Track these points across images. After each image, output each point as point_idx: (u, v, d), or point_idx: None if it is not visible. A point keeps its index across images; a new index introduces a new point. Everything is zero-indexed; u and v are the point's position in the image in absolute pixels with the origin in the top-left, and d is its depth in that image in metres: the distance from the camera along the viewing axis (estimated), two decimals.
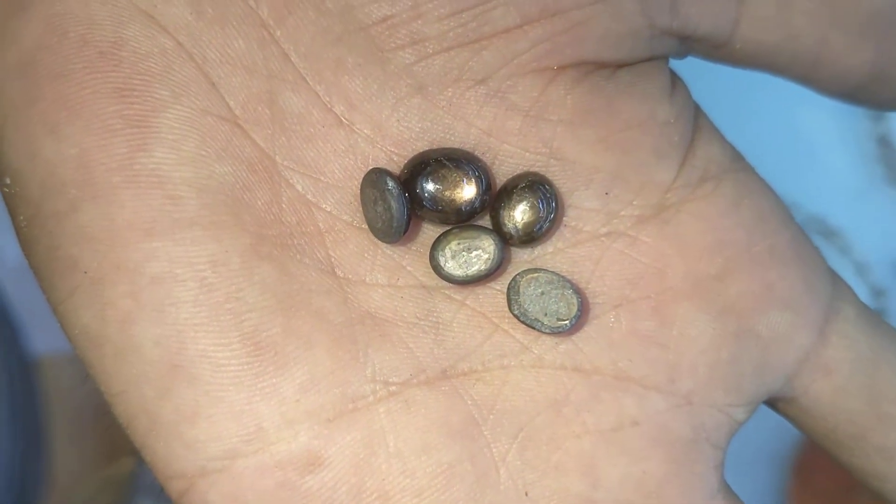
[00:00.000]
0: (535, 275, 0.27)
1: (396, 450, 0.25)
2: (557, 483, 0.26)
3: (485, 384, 0.27)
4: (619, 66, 0.27)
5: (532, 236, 0.27)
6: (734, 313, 0.28)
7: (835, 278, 0.30)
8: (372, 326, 0.26)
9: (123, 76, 0.25)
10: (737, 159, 0.30)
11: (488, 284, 0.27)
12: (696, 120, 0.29)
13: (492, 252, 0.27)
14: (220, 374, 0.25)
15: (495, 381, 0.27)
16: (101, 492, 0.65)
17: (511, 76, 0.26)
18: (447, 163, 0.26)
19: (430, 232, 0.27)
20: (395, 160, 0.27)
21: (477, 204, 0.26)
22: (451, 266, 0.26)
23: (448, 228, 0.27)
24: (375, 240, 0.27)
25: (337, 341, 0.26)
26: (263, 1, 0.25)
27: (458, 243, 0.27)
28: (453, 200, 0.26)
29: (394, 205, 0.25)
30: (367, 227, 0.27)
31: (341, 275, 0.26)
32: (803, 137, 0.69)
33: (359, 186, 0.26)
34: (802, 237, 0.30)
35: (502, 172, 0.27)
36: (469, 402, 0.26)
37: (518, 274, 0.27)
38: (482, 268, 0.27)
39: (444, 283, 0.27)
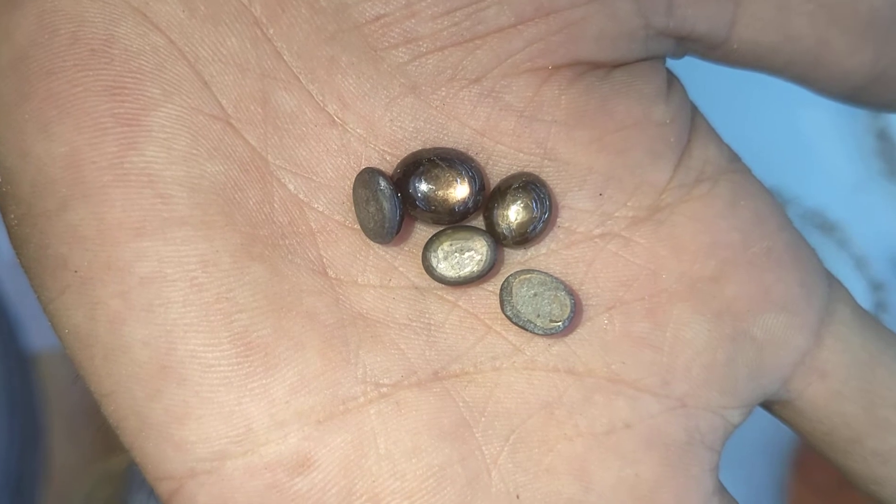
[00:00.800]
0: (528, 276, 0.27)
1: (387, 452, 0.25)
2: (549, 486, 0.26)
3: (477, 386, 0.27)
4: (615, 66, 0.27)
5: (525, 237, 0.27)
6: (729, 315, 0.28)
7: (831, 280, 0.30)
8: (363, 327, 0.26)
9: (115, 74, 0.24)
10: (733, 160, 0.29)
11: (481, 285, 0.27)
12: (693, 120, 0.29)
13: (484, 253, 0.26)
14: (210, 375, 0.24)
15: (487, 383, 0.27)
16: (98, 486, 0.65)
17: (505, 76, 0.26)
18: (440, 163, 0.26)
19: (423, 232, 0.27)
20: (388, 160, 0.26)
21: (470, 204, 0.26)
22: (444, 267, 0.26)
23: (441, 229, 0.27)
24: (368, 240, 0.27)
25: (328, 342, 0.25)
26: None
27: (451, 244, 0.26)
28: (446, 201, 0.26)
29: (386, 205, 0.25)
30: (359, 227, 0.26)
31: (333, 275, 0.26)
32: (802, 131, 0.69)
33: (351, 186, 0.26)
34: (799, 239, 0.30)
35: (496, 173, 0.27)
36: (461, 404, 0.26)
37: (511, 275, 0.27)
38: (475, 269, 0.26)
39: (437, 284, 0.27)
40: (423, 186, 0.26)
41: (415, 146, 0.26)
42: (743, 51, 0.28)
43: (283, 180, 0.26)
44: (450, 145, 0.26)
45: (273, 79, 0.26)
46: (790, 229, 0.30)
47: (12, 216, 0.25)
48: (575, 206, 0.27)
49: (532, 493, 0.26)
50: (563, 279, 0.27)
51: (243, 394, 0.25)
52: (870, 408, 0.29)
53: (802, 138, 0.69)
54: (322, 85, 0.26)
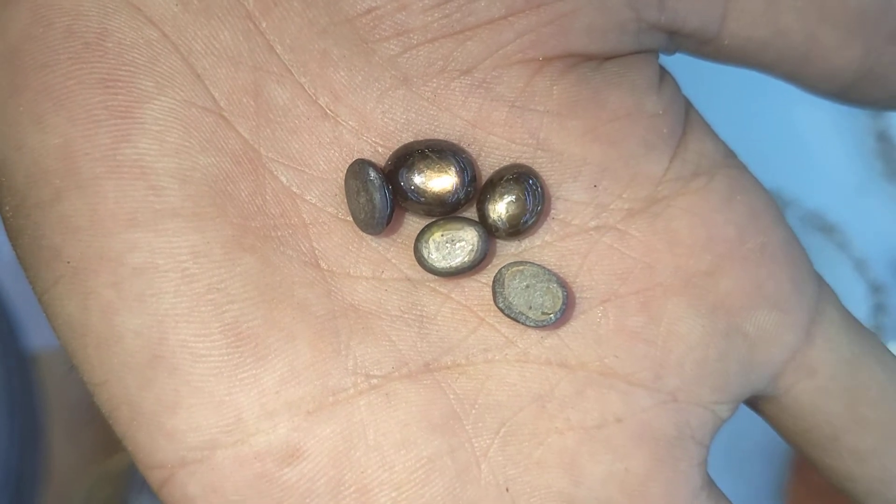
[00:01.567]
0: (521, 268, 0.27)
1: (376, 443, 0.25)
2: (539, 479, 0.26)
3: (468, 378, 0.26)
4: (607, 58, 0.27)
5: (518, 229, 0.27)
6: (723, 311, 0.28)
7: (819, 280, 0.30)
8: (355, 319, 0.26)
9: (108, 67, 0.25)
10: (729, 155, 0.29)
11: (474, 277, 0.27)
12: (687, 115, 0.29)
13: (475, 243, 0.26)
14: (201, 365, 0.25)
15: (479, 375, 0.27)
16: (98, 486, 0.65)
17: (496, 67, 0.26)
18: (431, 154, 0.26)
19: (416, 225, 0.27)
20: (381, 152, 0.27)
21: (461, 195, 0.26)
22: (435, 257, 0.26)
23: (433, 220, 0.27)
24: (360, 232, 0.27)
25: (319, 333, 0.25)
26: None
27: (442, 234, 0.26)
28: (437, 192, 0.26)
29: (376, 196, 0.25)
30: (351, 219, 0.27)
31: (325, 267, 0.26)
32: (802, 133, 0.69)
33: (343, 178, 0.26)
34: (791, 236, 0.30)
35: (488, 164, 0.27)
36: (451, 396, 0.26)
37: (503, 267, 0.27)
38: (466, 259, 0.26)
39: (430, 276, 0.27)
40: (414, 178, 0.26)
41: (407, 138, 0.26)
42: (734, 46, 0.28)
43: (275, 172, 0.26)
44: (442, 137, 0.27)
45: (265, 72, 0.26)
46: (784, 226, 0.30)
47: (7, 207, 0.26)
48: (569, 198, 0.27)
49: (522, 485, 0.26)
50: (558, 271, 0.27)
51: (234, 384, 0.25)
52: (851, 406, 0.30)
53: (802, 140, 0.69)
54: (314, 78, 0.26)
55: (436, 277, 0.27)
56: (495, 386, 0.27)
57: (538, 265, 0.27)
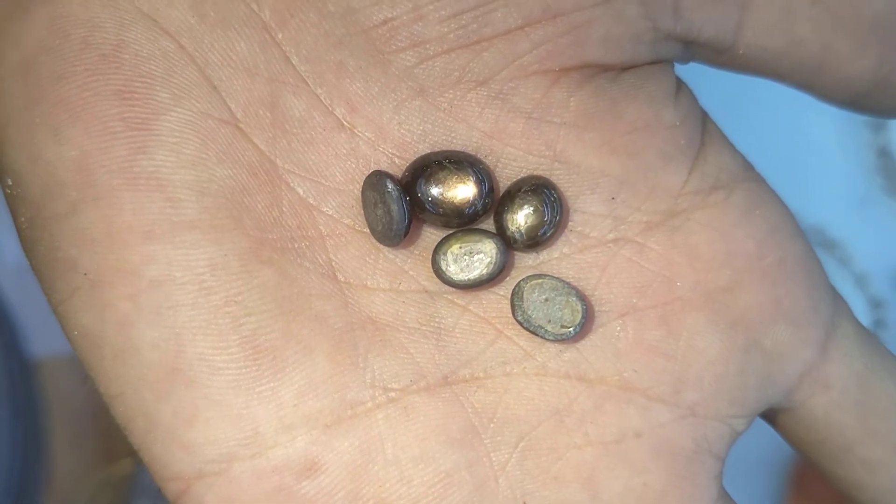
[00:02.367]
0: (540, 281, 0.27)
1: (394, 457, 0.25)
2: (557, 494, 0.26)
3: (486, 391, 0.26)
4: (623, 68, 0.27)
5: (536, 241, 0.27)
6: (742, 326, 0.28)
7: (835, 294, 0.30)
8: (373, 331, 0.26)
9: (125, 79, 0.25)
10: (748, 169, 0.29)
11: (492, 289, 0.27)
12: (705, 126, 0.29)
13: (494, 256, 0.26)
14: (219, 378, 0.24)
15: (497, 389, 0.26)
16: (100, 493, 0.65)
17: (513, 78, 0.26)
18: (448, 165, 0.26)
19: (433, 236, 0.27)
20: (397, 163, 0.26)
21: (479, 207, 0.26)
22: (453, 270, 0.26)
23: (450, 232, 0.27)
24: (377, 244, 0.27)
25: (337, 346, 0.25)
26: (266, 4, 0.25)
27: (460, 247, 0.26)
28: (455, 203, 0.26)
29: (393, 207, 0.25)
30: (368, 230, 0.26)
31: (342, 279, 0.26)
32: (803, 148, 0.69)
33: (360, 190, 0.26)
34: (809, 250, 0.30)
35: (505, 175, 0.27)
36: (469, 410, 0.26)
37: (522, 279, 0.27)
38: (484, 272, 0.26)
39: (447, 287, 0.27)
40: (432, 189, 0.26)
41: (423, 149, 0.26)
42: (749, 55, 0.28)
43: (291, 184, 0.26)
44: (458, 148, 0.26)
45: (282, 83, 0.26)
46: (802, 240, 0.30)
47: (23, 219, 0.26)
48: (587, 210, 0.27)
49: (539, 500, 0.26)
50: (576, 284, 0.27)
51: (251, 397, 0.25)
52: (863, 419, 0.30)
53: (803, 155, 0.69)
54: (330, 89, 0.26)
55: (453, 289, 0.27)
56: (514, 400, 0.26)
57: (557, 278, 0.27)
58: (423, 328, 0.26)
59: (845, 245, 0.67)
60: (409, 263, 0.27)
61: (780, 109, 0.63)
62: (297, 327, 0.25)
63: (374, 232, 0.26)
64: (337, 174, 0.26)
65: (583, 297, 0.27)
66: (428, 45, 0.25)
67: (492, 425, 0.26)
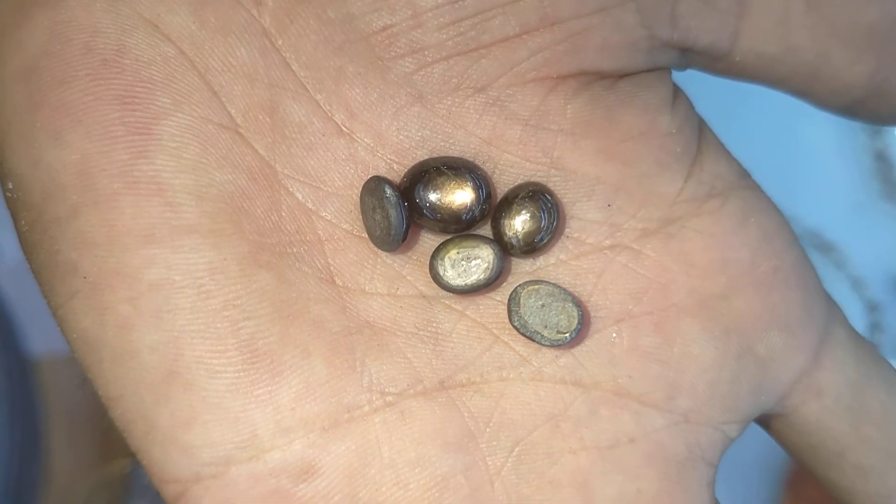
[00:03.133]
0: (536, 286, 0.27)
1: (390, 460, 0.25)
2: (552, 499, 0.26)
3: (483, 396, 0.27)
4: (620, 76, 0.27)
5: (533, 246, 0.27)
6: (736, 333, 0.28)
7: (829, 300, 0.30)
8: (370, 336, 0.26)
9: (126, 83, 0.25)
10: (744, 176, 0.29)
11: (489, 295, 0.27)
12: (702, 134, 0.29)
13: (491, 261, 0.26)
14: (217, 381, 0.25)
15: (493, 394, 0.27)
16: (97, 493, 0.65)
17: (510, 85, 0.26)
18: (447, 171, 0.26)
19: (430, 241, 0.27)
20: (396, 169, 0.27)
21: (476, 212, 0.26)
22: (451, 275, 0.26)
23: (448, 237, 0.27)
24: (375, 249, 0.27)
25: (334, 350, 0.26)
26: (266, 10, 0.25)
27: (458, 252, 0.26)
28: (452, 209, 0.26)
29: (392, 213, 0.25)
30: (366, 235, 0.27)
31: (340, 283, 0.26)
32: (800, 152, 0.69)
33: (359, 195, 0.26)
34: (804, 258, 0.30)
35: (503, 182, 0.27)
36: (466, 414, 0.26)
37: (519, 285, 0.27)
38: (481, 277, 0.26)
39: (445, 293, 0.27)
40: (430, 194, 0.26)
41: (422, 155, 0.27)
42: (745, 63, 0.28)
43: (290, 189, 0.26)
44: (456, 154, 0.27)
45: (281, 89, 0.26)
46: (797, 248, 0.30)
47: (23, 222, 0.26)
48: (584, 217, 0.27)
49: None
50: (573, 290, 0.27)
51: (249, 400, 0.25)
52: (856, 425, 0.30)
53: (800, 159, 0.69)
54: (330, 95, 0.26)
55: (451, 294, 0.27)
56: (510, 404, 0.27)
57: (553, 284, 0.27)
58: (421, 333, 0.27)
59: (842, 248, 0.67)
60: (407, 268, 0.27)
61: (778, 113, 0.63)
62: (295, 331, 0.25)
63: (372, 237, 0.26)
64: (336, 179, 0.26)
65: (579, 303, 0.27)
66: (427, 52, 0.26)
67: (488, 430, 0.26)
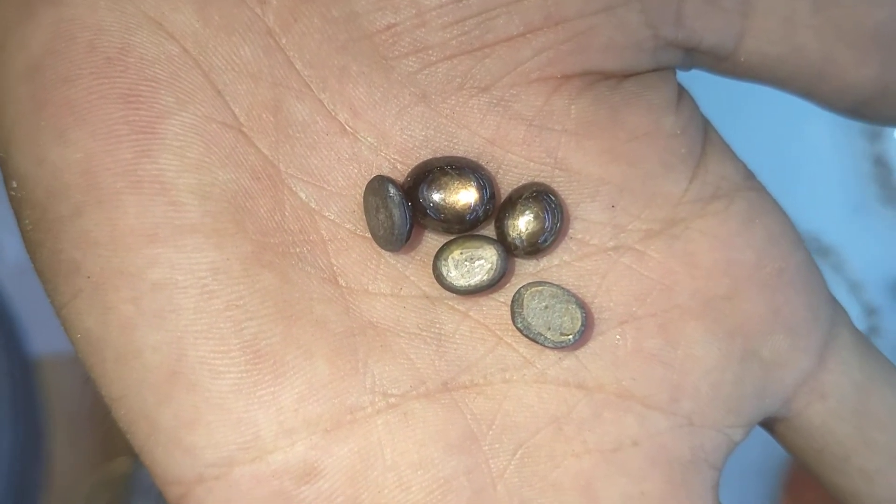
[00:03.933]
0: (540, 288, 0.27)
1: (393, 462, 0.25)
2: (555, 501, 0.26)
3: (486, 398, 0.26)
4: (625, 76, 0.27)
5: (537, 247, 0.27)
6: (740, 335, 0.28)
7: (834, 303, 0.30)
8: (373, 336, 0.26)
9: (130, 82, 0.25)
10: (749, 177, 0.29)
11: (492, 296, 0.27)
12: (707, 135, 0.29)
13: (494, 262, 0.26)
14: (220, 382, 0.25)
15: (496, 395, 0.27)
16: (98, 492, 0.65)
17: (514, 85, 0.26)
18: (450, 171, 0.26)
19: (434, 241, 0.27)
20: (399, 168, 0.27)
21: (480, 213, 0.26)
22: (454, 276, 0.26)
23: (452, 238, 0.27)
24: (379, 249, 0.27)
25: (337, 351, 0.25)
26: (270, 8, 0.25)
27: (462, 253, 0.26)
28: (456, 209, 0.26)
29: (395, 213, 0.25)
30: (370, 235, 0.26)
31: (343, 284, 0.26)
32: (799, 156, 0.69)
33: (362, 195, 0.26)
34: (809, 260, 0.30)
35: (507, 182, 0.27)
36: (469, 416, 0.26)
37: (522, 287, 0.27)
38: (485, 278, 0.26)
39: (448, 293, 0.27)
40: (434, 195, 0.26)
41: (425, 155, 0.27)
42: (750, 63, 0.28)
43: (294, 188, 0.26)
44: (460, 154, 0.27)
45: (285, 88, 0.26)
46: (802, 250, 0.30)
47: (27, 221, 0.26)
48: (587, 218, 0.27)
49: None
50: (576, 292, 0.27)
51: (252, 401, 0.25)
52: (861, 428, 0.30)
53: (799, 163, 0.69)
54: (333, 94, 0.26)
55: (454, 295, 0.27)
56: (513, 406, 0.27)
57: (557, 286, 0.27)
58: (424, 334, 0.27)
59: (840, 252, 0.67)
60: (411, 269, 0.27)
61: (777, 117, 0.63)
62: (298, 332, 0.25)
63: (375, 237, 0.26)
64: (339, 179, 0.26)
65: (582, 305, 0.27)
66: (430, 51, 0.26)
67: (490, 432, 0.26)
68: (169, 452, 0.25)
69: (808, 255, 0.30)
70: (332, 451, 0.25)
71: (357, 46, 0.26)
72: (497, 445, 0.26)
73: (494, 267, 0.26)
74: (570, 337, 0.26)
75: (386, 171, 0.26)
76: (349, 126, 0.26)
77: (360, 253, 0.27)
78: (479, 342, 0.27)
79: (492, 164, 0.27)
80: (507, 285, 0.27)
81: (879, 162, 0.68)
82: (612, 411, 0.27)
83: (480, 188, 0.26)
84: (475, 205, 0.26)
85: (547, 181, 0.27)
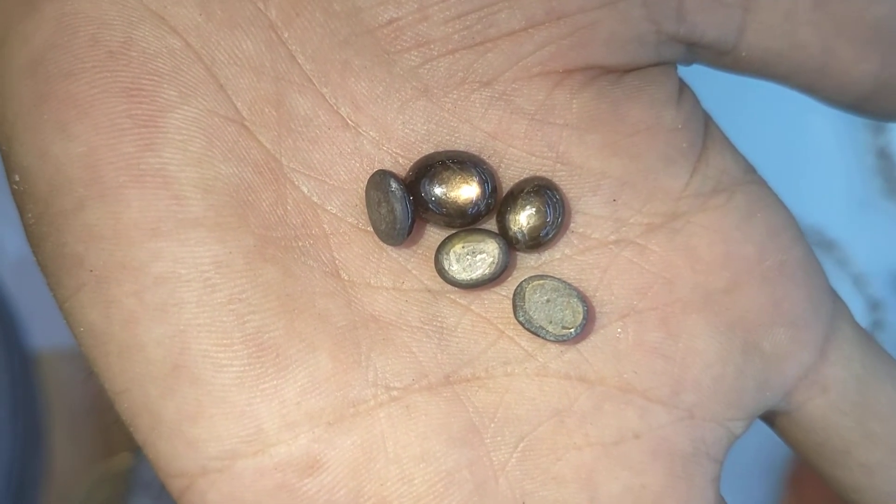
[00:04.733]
0: (541, 282, 0.27)
1: (395, 455, 0.25)
2: (556, 494, 0.26)
3: (487, 391, 0.27)
4: (626, 70, 0.27)
5: (538, 241, 0.27)
6: (741, 328, 0.28)
7: (835, 296, 0.30)
8: (375, 330, 0.26)
9: (132, 76, 0.25)
10: (750, 171, 0.29)
11: (494, 290, 0.27)
12: (708, 129, 0.29)
13: (496, 256, 0.27)
14: (222, 375, 0.25)
15: (498, 389, 0.27)
16: (99, 487, 0.65)
17: (516, 79, 0.26)
18: (452, 165, 0.26)
19: (436, 235, 0.27)
20: (401, 162, 0.27)
21: (482, 207, 0.26)
22: (456, 269, 0.26)
23: (453, 232, 0.27)
24: (381, 243, 0.27)
25: (339, 344, 0.26)
26: (272, 2, 0.25)
27: (463, 246, 0.26)
28: (458, 203, 0.26)
29: (397, 207, 0.25)
30: (372, 229, 0.27)
31: (346, 277, 0.26)
32: (802, 149, 0.69)
33: (364, 189, 0.26)
34: (809, 253, 0.30)
35: (508, 176, 0.27)
36: (471, 409, 0.26)
37: (524, 280, 0.27)
38: (486, 271, 0.26)
39: (450, 287, 0.27)
40: (435, 189, 0.26)
41: (427, 149, 0.27)
42: (751, 58, 0.28)
43: (296, 182, 0.26)
44: (462, 148, 0.27)
45: (287, 82, 0.26)
46: (802, 243, 0.30)
47: (30, 215, 0.26)
48: (589, 212, 0.27)
49: (539, 500, 0.26)
50: (578, 285, 0.27)
51: (255, 394, 0.25)
52: (862, 422, 0.30)
53: (802, 156, 0.69)
54: (335, 88, 0.26)
55: (456, 289, 0.27)
56: (514, 399, 0.27)
57: (559, 279, 0.27)
58: (426, 327, 0.27)
59: (844, 246, 0.67)
60: (412, 262, 0.27)
61: (781, 110, 0.63)
62: (301, 325, 0.25)
63: (377, 231, 0.26)
64: (341, 173, 0.26)
65: (584, 299, 0.27)
66: (433, 46, 0.26)
67: (492, 425, 0.26)
68: (172, 445, 0.25)
69: (808, 248, 0.30)
70: (335, 444, 0.25)
71: (359, 41, 0.26)
72: (499, 438, 0.26)
73: (496, 261, 0.26)
74: (572, 330, 0.26)
75: (388, 166, 0.27)
76: (351, 120, 0.26)
77: (362, 247, 0.27)
78: (480, 336, 0.27)
79: (493, 159, 0.27)
80: (509, 279, 0.27)
81: (883, 155, 0.68)
82: (613, 404, 0.27)
83: (482, 182, 0.26)
84: (477, 199, 0.26)
85: (548, 175, 0.27)
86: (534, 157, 0.27)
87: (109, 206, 0.24)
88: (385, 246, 0.27)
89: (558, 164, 0.27)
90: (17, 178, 0.26)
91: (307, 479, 0.25)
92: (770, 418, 0.31)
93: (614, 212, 0.27)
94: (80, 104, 0.25)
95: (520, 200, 0.26)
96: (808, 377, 0.29)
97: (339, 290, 0.26)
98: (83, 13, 0.25)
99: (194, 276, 0.25)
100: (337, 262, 0.26)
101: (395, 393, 0.26)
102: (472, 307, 0.27)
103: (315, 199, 0.26)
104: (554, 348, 0.27)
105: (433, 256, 0.27)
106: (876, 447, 0.30)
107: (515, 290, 0.27)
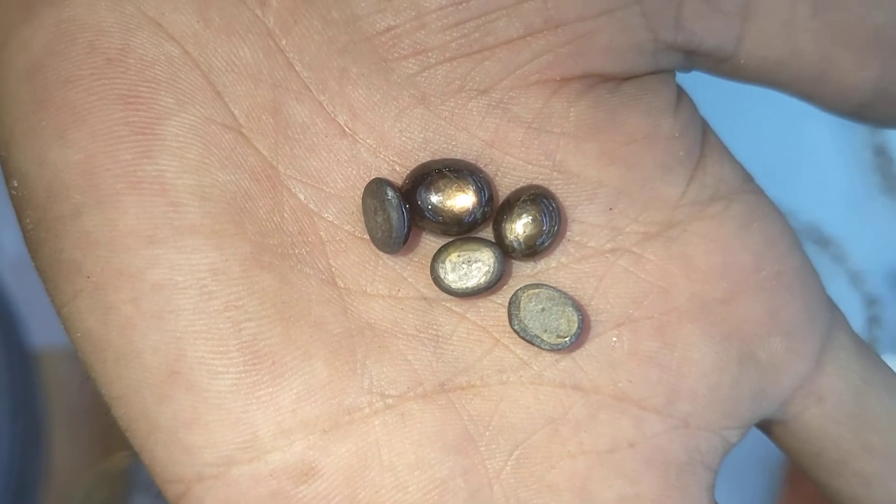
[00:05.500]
0: (537, 290, 0.27)
1: (390, 463, 0.25)
2: (550, 502, 0.26)
3: (482, 399, 0.27)
4: (624, 78, 0.27)
5: (534, 250, 0.27)
6: (737, 338, 0.28)
7: (832, 306, 0.30)
8: (371, 338, 0.26)
9: (130, 83, 0.25)
10: (747, 180, 0.29)
11: (490, 298, 0.27)
12: (705, 137, 0.29)
13: (492, 264, 0.27)
14: (218, 382, 0.25)
15: (493, 397, 0.27)
16: (98, 487, 0.65)
17: (513, 87, 0.26)
18: (448, 173, 0.26)
19: (432, 243, 0.27)
20: (398, 170, 0.27)
21: (478, 215, 0.26)
22: (451, 278, 0.26)
23: (449, 240, 0.27)
24: (377, 250, 0.27)
25: (335, 352, 0.26)
26: (270, 10, 0.25)
27: (459, 255, 0.27)
28: (454, 211, 0.26)
29: (393, 215, 0.25)
30: (368, 237, 0.27)
31: (342, 285, 0.26)
32: (800, 146, 0.69)
33: (361, 197, 0.26)
34: (806, 263, 0.30)
35: (505, 185, 0.27)
36: (465, 417, 0.26)
37: (519, 289, 0.27)
38: (482, 280, 0.26)
39: (445, 295, 0.27)
40: (432, 197, 0.26)
41: (424, 157, 0.27)
42: (750, 66, 0.28)
43: (293, 190, 0.26)
44: (459, 156, 0.27)
45: (285, 89, 0.26)
46: (799, 253, 0.30)
47: (28, 220, 0.26)
48: (585, 220, 0.27)
49: None
50: (573, 294, 0.27)
51: (250, 401, 0.25)
52: (859, 432, 0.30)
53: (800, 153, 0.69)
54: (333, 96, 0.26)
55: (451, 297, 0.27)
56: (509, 408, 0.27)
57: (554, 288, 0.27)
58: (421, 335, 0.27)
59: (841, 242, 0.67)
60: (408, 271, 0.27)
61: (778, 108, 0.63)
62: (297, 333, 0.25)
63: (373, 239, 0.26)
64: (338, 180, 0.26)
65: (579, 308, 0.27)
66: (430, 54, 0.26)
67: (487, 433, 0.26)
68: (168, 452, 0.25)
69: (805, 258, 0.30)
70: (330, 451, 0.25)
71: (357, 48, 0.26)
72: (493, 446, 0.26)
73: (491, 269, 0.27)
74: (567, 339, 0.26)
75: (385, 173, 0.27)
76: (348, 128, 0.26)
77: (358, 254, 0.27)
78: (476, 344, 0.27)
79: (490, 167, 0.27)
80: (505, 287, 0.27)
81: (880, 152, 0.68)
82: (608, 413, 0.27)
83: (478, 191, 0.26)
84: (473, 207, 0.26)
85: (545, 183, 0.27)
86: (530, 166, 0.27)
87: (106, 213, 0.25)
88: (381, 254, 0.27)
89: (555, 173, 0.27)
90: (15, 183, 0.26)
91: (302, 486, 0.25)
92: (766, 427, 0.31)
93: (611, 220, 0.27)
94: (77, 111, 0.25)
95: (516, 209, 0.26)
96: (805, 387, 0.29)
97: (335, 297, 0.26)
98: (81, 20, 0.25)
99: (191, 284, 0.25)
100: (333, 269, 0.26)
101: (390, 401, 0.26)
102: (468, 315, 0.27)
103: (312, 206, 0.26)
104: (549, 357, 0.27)
105: (429, 265, 0.27)
106: (872, 458, 0.30)
107: (511, 298, 0.27)
